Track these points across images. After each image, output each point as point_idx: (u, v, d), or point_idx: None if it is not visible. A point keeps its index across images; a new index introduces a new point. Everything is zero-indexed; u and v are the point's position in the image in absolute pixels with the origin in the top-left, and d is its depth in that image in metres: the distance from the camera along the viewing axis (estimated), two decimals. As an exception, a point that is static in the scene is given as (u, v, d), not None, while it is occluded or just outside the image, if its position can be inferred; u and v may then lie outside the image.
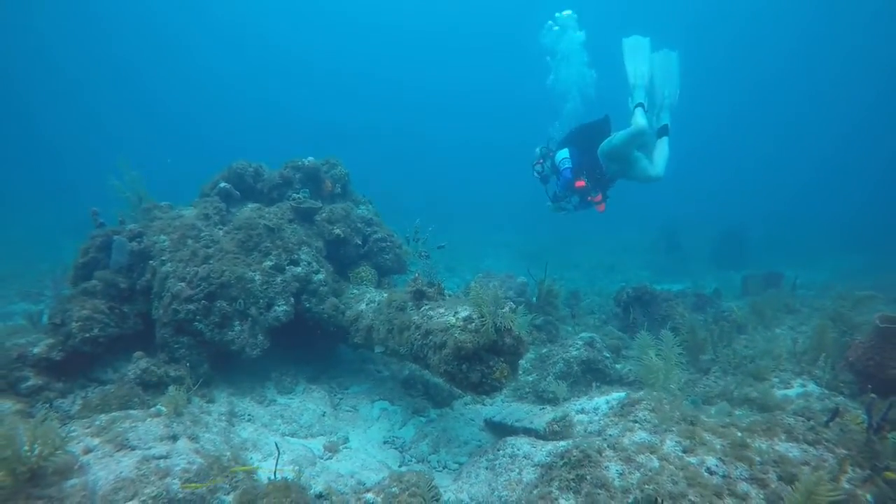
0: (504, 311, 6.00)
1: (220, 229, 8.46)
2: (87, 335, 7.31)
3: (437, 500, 4.74)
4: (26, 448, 4.37)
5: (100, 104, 66.64)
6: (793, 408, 6.33)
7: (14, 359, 6.82)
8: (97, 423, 5.91)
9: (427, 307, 7.00)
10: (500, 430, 7.30)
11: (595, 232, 33.14)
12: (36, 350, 7.03)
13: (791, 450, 4.87)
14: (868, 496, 4.10)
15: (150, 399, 6.89)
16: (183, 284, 7.66)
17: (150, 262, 8.16)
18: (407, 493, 4.67)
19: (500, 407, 8.19)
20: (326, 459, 6.58)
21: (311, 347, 9.12)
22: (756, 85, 64.18)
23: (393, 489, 4.77)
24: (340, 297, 8.61)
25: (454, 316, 6.35)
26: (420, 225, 10.00)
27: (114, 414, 6.28)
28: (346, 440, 7.17)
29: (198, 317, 7.49)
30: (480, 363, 5.98)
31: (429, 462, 6.85)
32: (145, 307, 8.21)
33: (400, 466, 6.74)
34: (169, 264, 7.98)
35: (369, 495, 4.82)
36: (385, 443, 7.24)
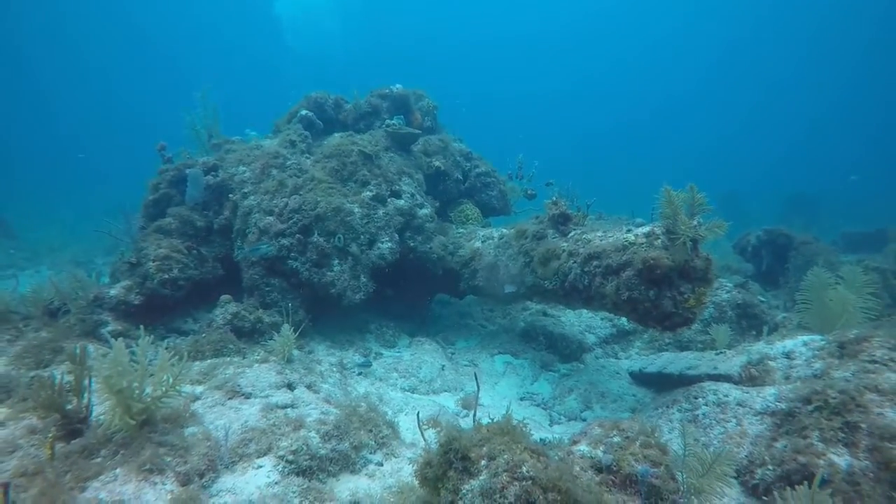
0: (695, 222, 4.67)
1: (307, 157, 7.25)
2: (166, 276, 6.22)
3: (665, 454, 3.50)
4: (136, 386, 3.25)
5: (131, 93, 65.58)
6: None
7: (91, 300, 5.76)
8: (195, 368, 4.83)
9: (576, 232, 5.71)
10: (660, 381, 6.00)
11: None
12: (113, 292, 5.96)
13: None
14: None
15: (245, 347, 5.77)
16: (272, 218, 6.49)
17: (230, 195, 7.01)
18: (637, 443, 3.41)
19: (646, 358, 6.88)
20: (464, 417, 5.38)
21: (403, 301, 7.90)
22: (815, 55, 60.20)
23: (614, 438, 3.51)
24: (445, 237, 7.36)
25: (630, 233, 5.05)
26: (524, 160, 8.65)
27: (212, 360, 5.19)
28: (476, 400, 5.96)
29: (292, 254, 6.33)
30: (671, 288, 4.69)
31: (583, 420, 5.61)
32: (224, 250, 7.09)
33: (551, 425, 5.50)
34: (252, 197, 6.82)
35: (582, 447, 3.56)
36: (522, 399, 6.01)
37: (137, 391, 3.25)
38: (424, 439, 3.51)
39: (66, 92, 62.88)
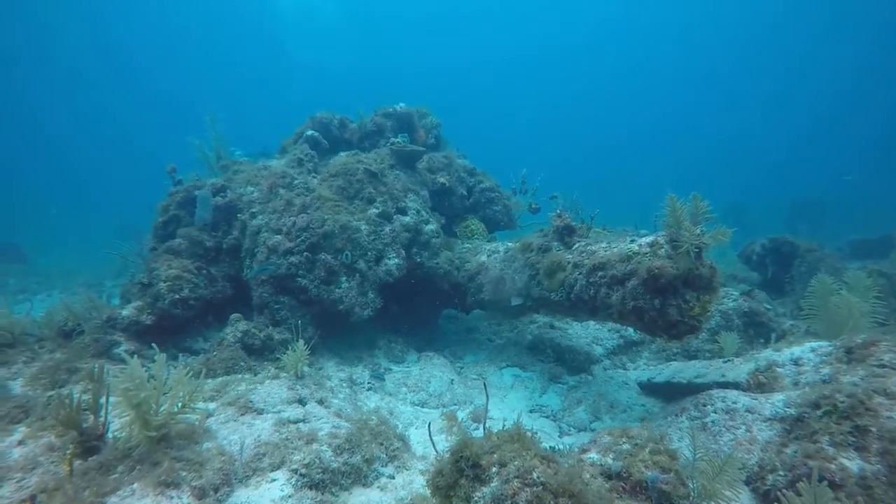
0: (698, 230, 4.72)
1: (313, 177, 7.39)
2: (177, 296, 6.32)
3: (675, 460, 3.52)
4: (153, 401, 3.32)
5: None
6: None
7: (104, 321, 5.86)
8: (207, 385, 4.90)
9: (580, 244, 5.77)
10: (669, 391, 5.99)
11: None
12: (125, 312, 6.06)
13: None
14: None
15: (255, 365, 5.83)
16: (280, 237, 6.60)
17: (239, 215, 7.14)
18: (647, 450, 3.43)
19: (654, 368, 6.88)
20: (474, 430, 5.39)
21: (411, 317, 7.96)
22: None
23: (623, 445, 3.53)
24: (451, 252, 7.45)
25: (633, 243, 5.11)
26: (527, 175, 8.77)
27: (224, 378, 5.26)
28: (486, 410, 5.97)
29: (300, 271, 6.42)
30: (676, 296, 4.72)
31: (593, 430, 5.59)
32: (233, 269, 7.20)
33: (561, 436, 5.50)
34: (261, 216, 6.94)
35: (592, 455, 3.58)
36: (531, 411, 6.02)
37: (154, 406, 3.31)
38: (436, 450, 3.55)
39: (62, 103, 63.55)
